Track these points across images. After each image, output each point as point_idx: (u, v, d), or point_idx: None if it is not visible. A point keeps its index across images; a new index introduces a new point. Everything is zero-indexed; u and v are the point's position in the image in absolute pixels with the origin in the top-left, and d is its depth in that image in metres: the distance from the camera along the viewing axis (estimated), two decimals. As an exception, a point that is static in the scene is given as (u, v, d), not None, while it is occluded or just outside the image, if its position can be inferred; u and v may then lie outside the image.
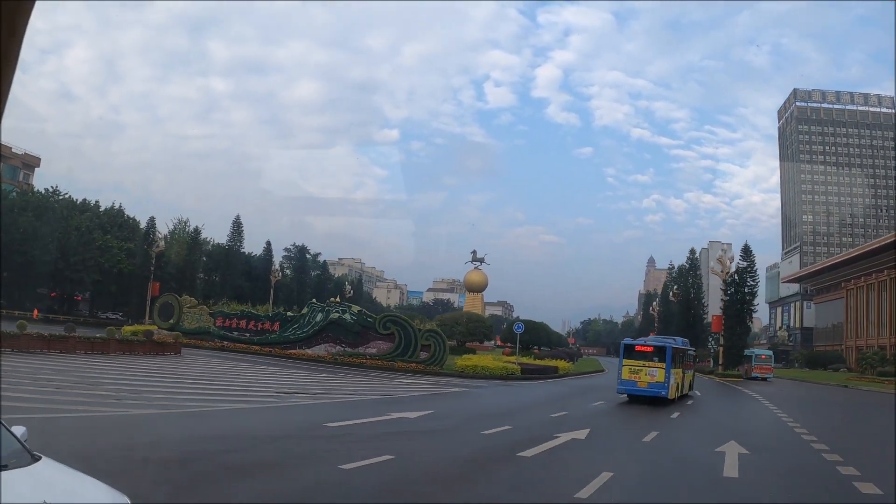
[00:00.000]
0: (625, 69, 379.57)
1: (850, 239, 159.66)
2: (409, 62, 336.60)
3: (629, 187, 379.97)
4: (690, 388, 42.19)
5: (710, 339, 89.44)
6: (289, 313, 53.93)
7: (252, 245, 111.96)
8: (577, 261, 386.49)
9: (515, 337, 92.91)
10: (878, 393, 59.16)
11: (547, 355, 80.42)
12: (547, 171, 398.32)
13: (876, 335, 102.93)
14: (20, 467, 4.81)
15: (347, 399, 25.55)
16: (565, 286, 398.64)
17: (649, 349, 34.47)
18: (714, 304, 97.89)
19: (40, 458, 5.09)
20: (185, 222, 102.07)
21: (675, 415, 26.87)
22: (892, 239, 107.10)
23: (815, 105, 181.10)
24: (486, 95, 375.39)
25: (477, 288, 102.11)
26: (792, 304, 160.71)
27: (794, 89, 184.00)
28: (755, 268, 79.61)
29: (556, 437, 17.03)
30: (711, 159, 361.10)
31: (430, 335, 46.23)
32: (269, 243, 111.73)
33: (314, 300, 56.56)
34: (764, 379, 75.73)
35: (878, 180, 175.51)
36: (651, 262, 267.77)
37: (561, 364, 59.29)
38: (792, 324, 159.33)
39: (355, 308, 50.78)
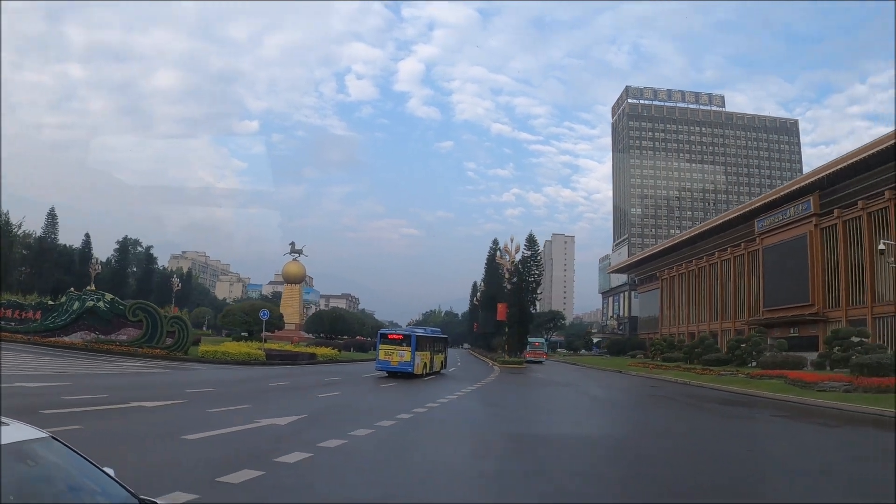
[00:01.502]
0: (487, 65, 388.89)
1: (678, 231, 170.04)
2: (272, 53, 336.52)
3: (489, 181, 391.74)
4: (443, 366, 53.26)
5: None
6: (50, 302, 55.60)
7: (105, 239, 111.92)
8: (436, 254, 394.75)
9: (322, 326, 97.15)
10: (636, 377, 64.61)
11: (351, 345, 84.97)
12: (408, 164, 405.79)
13: (686, 323, 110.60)
14: None
15: (7, 374, 28.06)
16: (424, 279, 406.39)
17: (399, 337, 44.98)
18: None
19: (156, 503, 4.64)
20: (6, 214, 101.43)
21: (334, 393, 29.79)
22: (700, 231, 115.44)
23: (646, 102, 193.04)
24: (347, 88, 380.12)
25: (294, 279, 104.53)
26: (621, 294, 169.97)
27: (627, 86, 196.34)
28: (539, 257, 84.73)
29: (131, 404, 19.99)
30: (570, 155, 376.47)
31: (175, 322, 49.47)
32: (87, 235, 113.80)
33: (72, 289, 58.31)
34: (539, 363, 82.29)
35: (705, 175, 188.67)
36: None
37: (325, 351, 63.31)
38: (622, 313, 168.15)
39: (108, 296, 53.11)
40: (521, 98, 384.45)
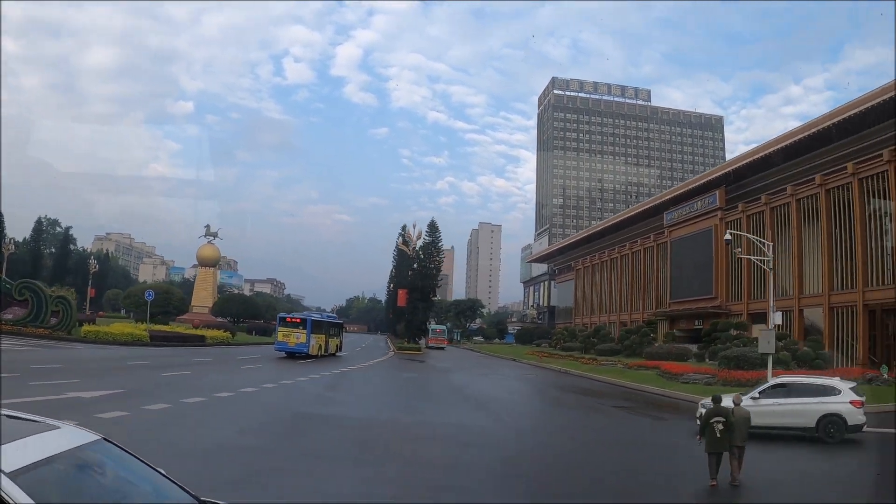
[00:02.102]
0: (425, 52, 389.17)
1: (598, 222, 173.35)
2: (210, 32, 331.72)
3: (424, 169, 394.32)
4: (338, 349, 56.85)
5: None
6: (-60, 282, 56.03)
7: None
8: (368, 240, 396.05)
9: (231, 310, 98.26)
10: (524, 365, 66.89)
11: (254, 328, 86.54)
12: (342, 150, 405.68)
13: (598, 313, 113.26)
14: None
15: None
16: (355, 265, 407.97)
17: (296, 320, 49.61)
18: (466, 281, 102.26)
19: None
20: None
21: (184, 373, 32.02)
22: (614, 222, 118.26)
23: (572, 94, 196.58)
24: (284, 71, 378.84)
25: (209, 262, 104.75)
26: (541, 284, 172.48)
27: (553, 77, 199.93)
28: (440, 244, 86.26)
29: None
30: (506, 145, 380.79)
31: (59, 302, 50.58)
32: (0, 214, 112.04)
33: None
34: (441, 349, 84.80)
35: (628, 167, 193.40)
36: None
37: (216, 334, 64.75)
38: (541, 303, 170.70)
39: (-4, 275, 53.87)
40: (458, 87, 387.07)
